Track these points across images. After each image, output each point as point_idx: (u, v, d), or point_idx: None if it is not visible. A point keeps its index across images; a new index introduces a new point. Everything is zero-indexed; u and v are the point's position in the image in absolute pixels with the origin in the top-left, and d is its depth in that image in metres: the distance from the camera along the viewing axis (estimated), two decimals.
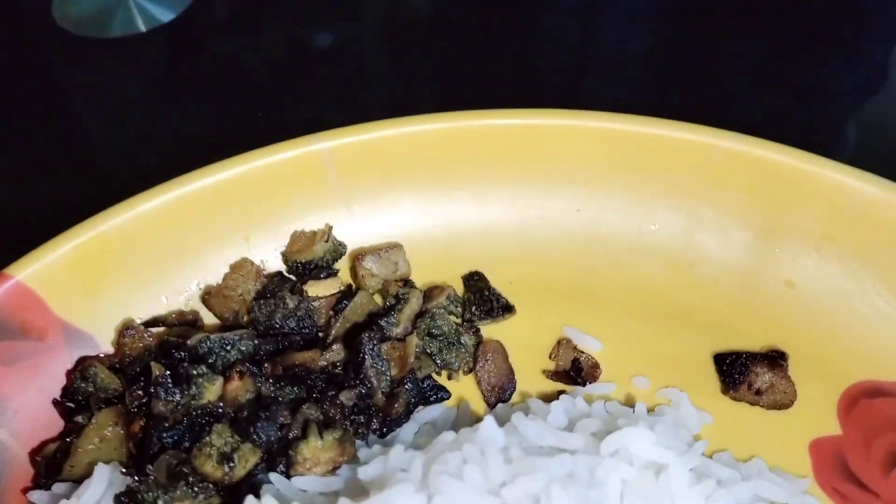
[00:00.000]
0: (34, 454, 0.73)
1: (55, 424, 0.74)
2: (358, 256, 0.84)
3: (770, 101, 1.07)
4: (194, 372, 0.69)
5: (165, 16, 1.22)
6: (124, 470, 0.67)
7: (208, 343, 0.72)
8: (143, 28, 1.22)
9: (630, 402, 0.77)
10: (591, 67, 1.15)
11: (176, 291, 0.82)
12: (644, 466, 0.62)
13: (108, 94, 1.12)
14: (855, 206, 0.81)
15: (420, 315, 0.80)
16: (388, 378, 0.74)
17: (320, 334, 0.80)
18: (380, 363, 0.73)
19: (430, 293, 0.83)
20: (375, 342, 0.74)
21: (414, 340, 0.76)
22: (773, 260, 0.84)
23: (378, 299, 0.84)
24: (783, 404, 0.78)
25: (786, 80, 1.09)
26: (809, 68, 1.09)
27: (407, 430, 0.72)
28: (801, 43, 1.13)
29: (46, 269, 0.76)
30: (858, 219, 0.81)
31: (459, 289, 0.86)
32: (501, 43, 1.15)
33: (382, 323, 0.77)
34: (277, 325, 0.78)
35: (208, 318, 0.82)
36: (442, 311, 0.81)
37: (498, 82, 1.10)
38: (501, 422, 0.70)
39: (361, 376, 0.72)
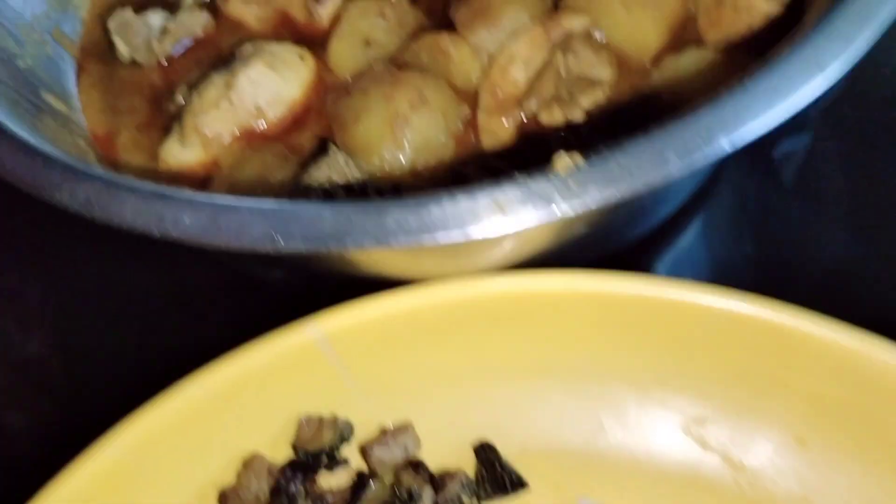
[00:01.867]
0: None
1: None
2: (366, 447, 0.84)
3: None
4: None
5: None
6: None
7: None
8: None
9: None
10: None
11: (193, 496, 0.84)
12: None
13: None
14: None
15: None
16: None
17: None
18: None
19: (441, 481, 0.83)
20: None
21: None
22: None
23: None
24: None
25: None
26: None
27: None
28: None
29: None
30: None
31: (471, 460, 0.85)
32: None
33: None
34: None
35: None
36: (455, 500, 0.81)
37: None
38: None
39: None
